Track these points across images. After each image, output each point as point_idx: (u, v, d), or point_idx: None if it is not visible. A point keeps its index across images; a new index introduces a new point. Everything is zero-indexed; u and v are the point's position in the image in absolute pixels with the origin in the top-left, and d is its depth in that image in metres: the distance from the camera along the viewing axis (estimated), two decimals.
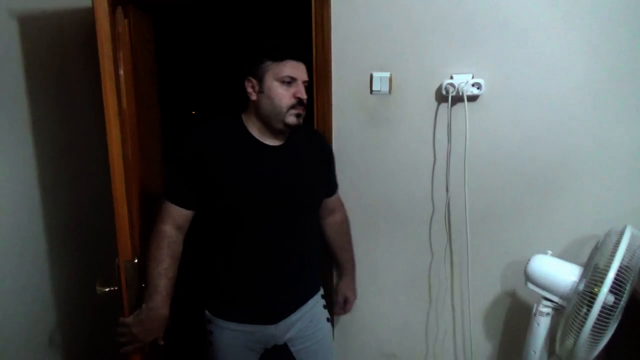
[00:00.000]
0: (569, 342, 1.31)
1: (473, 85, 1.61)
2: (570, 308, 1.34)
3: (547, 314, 1.43)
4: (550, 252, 1.49)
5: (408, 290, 1.71)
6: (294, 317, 1.54)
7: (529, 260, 1.47)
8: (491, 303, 1.80)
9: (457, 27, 1.62)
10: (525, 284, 1.47)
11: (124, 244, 1.45)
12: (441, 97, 1.67)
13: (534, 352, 1.46)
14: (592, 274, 1.30)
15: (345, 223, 1.76)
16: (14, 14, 1.83)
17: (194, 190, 1.41)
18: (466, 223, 1.71)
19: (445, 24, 1.63)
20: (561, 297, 1.40)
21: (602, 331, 1.25)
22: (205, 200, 1.42)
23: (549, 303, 1.42)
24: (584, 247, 1.62)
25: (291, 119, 1.40)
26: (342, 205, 1.76)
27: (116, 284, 1.49)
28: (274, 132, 1.44)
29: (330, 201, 1.68)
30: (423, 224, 1.79)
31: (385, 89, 1.72)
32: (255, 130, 1.45)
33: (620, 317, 1.28)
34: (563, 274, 1.41)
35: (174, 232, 1.42)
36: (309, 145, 1.56)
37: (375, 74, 1.72)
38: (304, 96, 1.40)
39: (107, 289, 1.51)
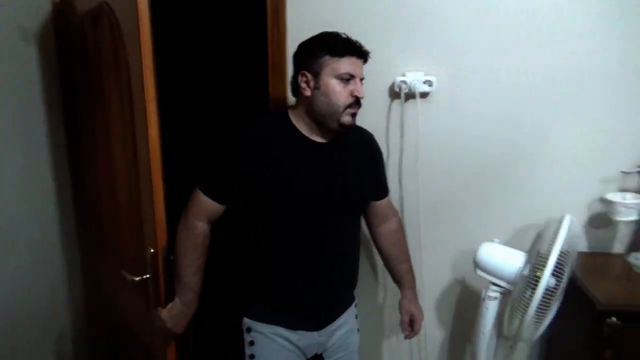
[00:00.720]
0: (516, 323, 1.40)
1: (424, 82, 1.68)
2: (516, 291, 1.43)
3: (495, 298, 1.52)
4: (497, 240, 1.59)
5: (362, 280, 1.75)
6: (335, 324, 1.47)
7: (478, 248, 1.56)
8: (442, 291, 1.89)
9: (410, 26, 1.67)
10: (475, 271, 1.56)
11: (161, 230, 1.41)
12: (394, 94, 1.72)
13: (484, 334, 1.55)
14: (536, 260, 1.40)
15: (400, 231, 1.63)
16: None
17: (238, 186, 1.33)
18: (418, 215, 1.78)
19: (398, 23, 1.68)
20: (508, 281, 1.49)
21: (545, 312, 1.35)
22: (251, 198, 1.34)
23: (496, 288, 1.51)
24: (528, 234, 1.73)
25: (347, 119, 1.31)
26: (395, 211, 1.63)
27: (148, 272, 1.44)
28: (325, 131, 1.35)
29: (381, 207, 1.55)
30: None
31: None
32: (304, 127, 1.35)
33: (561, 298, 1.39)
34: (509, 260, 1.50)
35: (207, 228, 1.37)
36: (358, 145, 1.47)
37: None
38: (361, 95, 1.31)
39: (138, 278, 1.44)
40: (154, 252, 1.40)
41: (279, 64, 1.75)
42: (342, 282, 1.48)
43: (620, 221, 1.65)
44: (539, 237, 1.51)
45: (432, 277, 1.85)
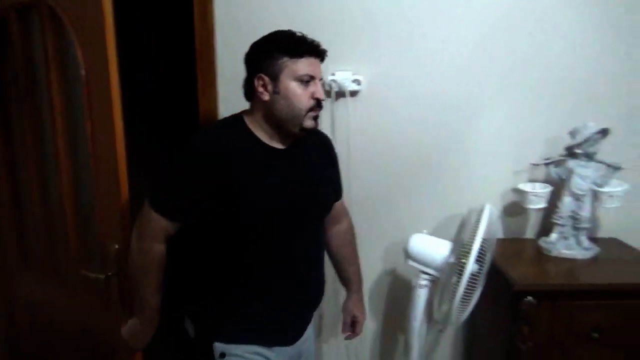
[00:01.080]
0: (445, 307, 1.49)
1: (353, 81, 1.74)
2: (444, 278, 1.53)
3: (425, 286, 1.60)
4: (425, 231, 1.68)
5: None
6: (306, 334, 1.43)
7: (408, 239, 1.64)
8: (375, 282, 1.96)
9: (339, 26, 1.72)
10: (406, 261, 1.64)
11: (126, 226, 1.38)
12: (325, 92, 1.76)
13: (416, 321, 1.63)
14: (460, 248, 1.50)
15: (350, 231, 1.61)
16: None
17: (196, 204, 1.22)
18: (351, 210, 1.83)
19: (327, 23, 1.72)
20: (436, 269, 1.58)
21: (470, 295, 1.46)
22: (214, 215, 1.24)
23: (426, 276, 1.60)
24: (453, 224, 1.85)
25: (309, 123, 1.25)
26: (347, 212, 1.61)
27: (110, 270, 1.42)
28: (285, 136, 1.28)
29: (336, 208, 1.50)
30: None
31: None
32: (262, 133, 1.27)
33: (483, 282, 1.50)
34: (437, 249, 1.59)
35: (164, 248, 1.26)
36: (316, 147, 1.42)
37: None
38: (322, 97, 1.25)
39: (101, 276, 1.42)
40: (118, 248, 1.37)
41: (208, 66, 1.73)
42: (318, 289, 1.43)
43: (531, 209, 1.81)
44: (462, 226, 1.62)
45: (365, 269, 1.90)
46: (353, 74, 1.74)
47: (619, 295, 1.54)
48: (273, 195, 1.25)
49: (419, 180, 1.87)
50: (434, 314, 1.62)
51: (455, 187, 1.87)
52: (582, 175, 1.69)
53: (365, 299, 1.94)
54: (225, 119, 1.34)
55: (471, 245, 1.44)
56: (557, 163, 1.76)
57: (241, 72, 1.83)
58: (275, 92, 1.22)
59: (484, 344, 1.90)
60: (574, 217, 1.72)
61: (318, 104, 1.25)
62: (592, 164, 1.69)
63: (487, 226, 1.47)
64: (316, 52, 1.25)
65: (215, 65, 1.74)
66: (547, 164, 1.78)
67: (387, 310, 1.99)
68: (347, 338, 1.61)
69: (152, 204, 1.24)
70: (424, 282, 1.60)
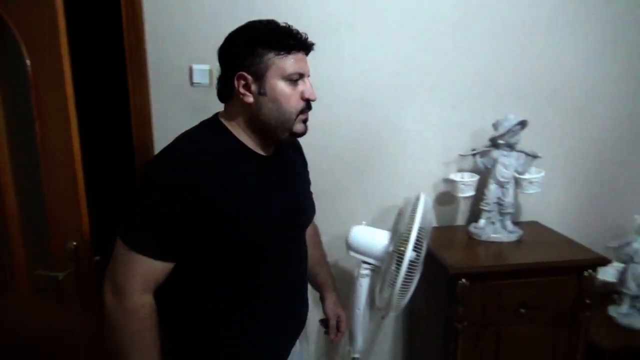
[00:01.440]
0: (386, 294, 1.55)
1: None
2: (384, 267, 1.59)
3: (367, 275, 1.65)
4: (364, 222, 1.73)
5: None
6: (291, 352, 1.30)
7: (348, 231, 1.68)
8: None
9: (257, 11, 1.72)
10: (347, 253, 1.68)
11: (85, 223, 1.34)
12: None
13: (359, 309, 1.68)
14: (399, 237, 1.56)
15: (318, 232, 1.55)
16: None
17: (183, 234, 1.01)
18: None
19: (243, 9, 1.71)
20: (376, 259, 1.63)
21: (410, 282, 1.52)
22: (200, 241, 1.04)
23: (367, 266, 1.65)
24: (390, 214, 1.91)
25: (300, 127, 1.11)
26: None
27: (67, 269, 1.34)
28: (269, 143, 1.14)
29: None
30: None
31: (206, 80, 1.74)
32: (247, 139, 1.11)
33: (421, 269, 1.57)
34: (376, 239, 1.64)
35: (152, 300, 1.03)
36: (293, 152, 1.31)
37: (195, 67, 1.73)
38: (313, 97, 1.11)
39: (59, 274, 1.33)
40: (76, 245, 1.32)
41: (139, 64, 1.68)
42: (303, 304, 1.32)
43: (461, 197, 1.92)
44: (399, 216, 1.68)
45: None
46: None
47: (542, 272, 1.67)
48: (269, 208, 1.11)
49: (355, 175, 1.92)
50: (376, 302, 1.67)
51: (391, 180, 1.95)
52: (505, 164, 1.82)
53: (310, 290, 1.98)
54: (202, 124, 1.14)
55: (409, 234, 1.50)
56: (483, 153, 1.88)
57: (174, 67, 1.79)
58: (261, 93, 1.06)
59: (423, 326, 2.00)
60: (499, 203, 1.84)
61: (308, 105, 1.11)
62: (514, 153, 1.83)
63: (422, 215, 1.54)
64: (305, 46, 1.09)
65: (146, 61, 1.69)
66: (473, 155, 1.90)
67: None
68: (335, 341, 1.53)
69: (129, 242, 0.99)
70: (365, 272, 1.65)
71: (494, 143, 1.85)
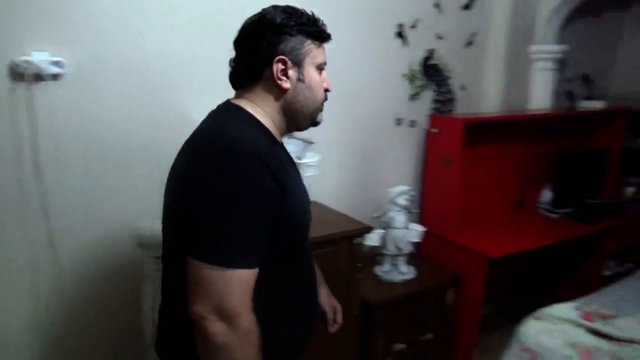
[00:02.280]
0: None
1: (53, 63, 1.57)
2: None
3: (157, 270, 1.61)
4: (151, 216, 1.67)
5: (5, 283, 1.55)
6: None
7: (137, 226, 1.61)
8: (104, 278, 1.85)
9: (35, 5, 1.53)
10: (136, 249, 1.61)
11: None
12: (17, 75, 1.54)
13: (149, 307, 1.63)
14: None
15: None
16: None
17: (269, 230, 0.96)
18: (62, 208, 1.68)
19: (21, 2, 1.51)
20: None
21: None
22: (273, 234, 0.98)
23: (157, 261, 1.61)
24: None
25: (321, 117, 1.13)
26: None
27: None
28: (289, 130, 1.13)
29: None
30: (11, 213, 1.64)
31: None
32: (271, 125, 1.07)
33: None
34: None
35: None
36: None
37: None
38: (330, 88, 1.13)
39: None
40: None
41: None
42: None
43: None
44: None
45: (88, 265, 1.80)
46: (52, 55, 1.57)
47: (321, 245, 1.88)
48: (306, 199, 1.13)
49: (142, 165, 1.82)
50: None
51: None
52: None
53: (96, 297, 1.83)
54: (225, 113, 1.06)
55: None
56: None
57: None
58: (300, 79, 1.06)
59: None
60: None
61: (326, 96, 1.14)
62: (292, 140, 1.99)
63: None
64: (330, 37, 1.11)
65: None
66: None
67: (119, 305, 1.90)
68: (333, 331, 1.47)
69: (226, 260, 0.90)
70: (155, 266, 1.61)
71: None
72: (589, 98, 3.14)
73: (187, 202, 0.93)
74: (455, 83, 2.66)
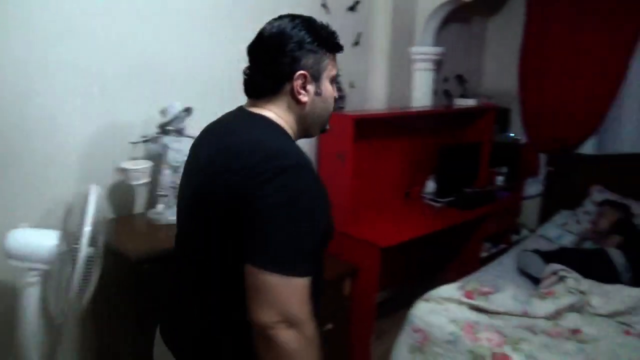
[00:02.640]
0: (62, 298, 1.42)
1: None
2: (57, 269, 1.45)
3: (35, 283, 1.47)
4: (24, 224, 1.52)
5: None
6: None
7: (4, 237, 1.45)
8: None
9: None
10: (8, 262, 1.45)
11: None
12: None
13: (29, 323, 1.48)
14: (72, 234, 1.45)
15: None
16: None
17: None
18: None
19: None
20: (45, 262, 1.47)
21: (88, 279, 1.44)
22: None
23: (35, 272, 1.47)
24: (59, 212, 1.73)
25: (328, 125, 1.17)
26: None
27: None
28: (300, 138, 1.14)
29: None
30: None
31: None
32: (292, 134, 1.10)
33: (100, 263, 1.50)
34: (42, 241, 1.47)
35: None
36: None
37: None
38: (337, 97, 1.16)
39: None
40: None
41: None
42: None
43: (136, 185, 1.91)
44: (69, 212, 1.55)
45: None
46: None
47: None
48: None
49: (5, 172, 1.65)
50: (51, 310, 1.51)
51: (54, 174, 1.77)
52: (176, 149, 1.90)
53: None
54: (255, 121, 1.06)
55: (82, 230, 1.42)
56: (154, 140, 1.91)
57: None
58: (317, 93, 1.09)
59: (114, 323, 1.91)
60: (174, 187, 1.92)
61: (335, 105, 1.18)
62: (183, 138, 1.93)
63: (95, 208, 1.47)
64: (343, 49, 1.14)
65: None
66: (144, 142, 1.91)
67: None
68: None
69: (296, 270, 0.92)
70: (33, 279, 1.47)
71: (163, 130, 1.90)
72: (463, 96, 3.43)
73: (246, 216, 0.94)
74: (344, 81, 2.76)
